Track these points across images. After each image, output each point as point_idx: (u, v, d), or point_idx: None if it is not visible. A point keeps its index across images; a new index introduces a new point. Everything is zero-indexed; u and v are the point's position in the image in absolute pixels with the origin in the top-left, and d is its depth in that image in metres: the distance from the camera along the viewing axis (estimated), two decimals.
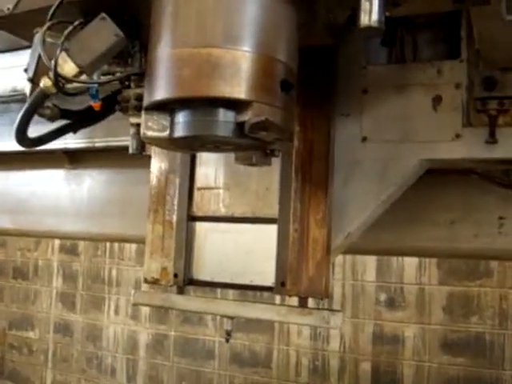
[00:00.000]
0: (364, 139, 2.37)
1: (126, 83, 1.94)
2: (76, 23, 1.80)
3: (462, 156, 2.25)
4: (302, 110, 2.27)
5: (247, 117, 1.57)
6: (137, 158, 2.34)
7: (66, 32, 1.78)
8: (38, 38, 1.87)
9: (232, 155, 2.02)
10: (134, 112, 1.91)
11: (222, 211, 2.46)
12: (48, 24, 1.83)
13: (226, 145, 1.72)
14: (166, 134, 1.66)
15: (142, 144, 2.11)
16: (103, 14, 1.76)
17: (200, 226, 2.49)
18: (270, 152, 1.80)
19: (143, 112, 1.69)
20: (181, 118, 1.66)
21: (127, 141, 2.25)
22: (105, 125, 2.43)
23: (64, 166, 3.64)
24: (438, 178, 2.61)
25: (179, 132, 1.66)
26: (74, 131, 2.25)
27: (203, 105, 1.61)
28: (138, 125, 1.84)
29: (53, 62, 1.79)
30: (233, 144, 1.71)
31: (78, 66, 1.76)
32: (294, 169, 2.33)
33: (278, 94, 1.63)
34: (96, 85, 1.91)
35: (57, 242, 8.92)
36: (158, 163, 2.53)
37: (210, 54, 1.57)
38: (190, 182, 2.50)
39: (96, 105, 1.97)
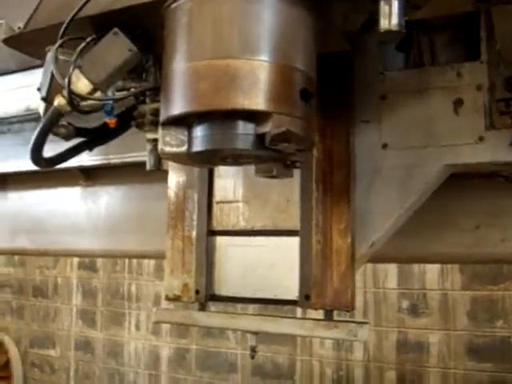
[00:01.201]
0: (385, 146, 2.32)
1: (141, 98, 1.90)
2: (88, 39, 1.77)
3: (487, 160, 2.19)
4: (321, 118, 2.22)
5: (267, 128, 1.53)
6: (153, 173, 2.30)
7: (78, 49, 1.75)
8: (50, 55, 1.84)
9: (251, 167, 1.97)
10: (151, 128, 1.87)
11: (242, 225, 2.42)
12: (60, 41, 1.80)
13: (246, 158, 1.68)
14: (184, 149, 1.62)
15: (160, 160, 2.07)
16: (116, 29, 1.73)
17: (220, 241, 2.44)
18: (291, 163, 1.75)
19: (160, 127, 1.65)
20: (199, 132, 1.62)
21: (143, 156, 2.22)
22: (120, 140, 2.40)
23: (80, 183, 3.62)
24: (461, 182, 2.55)
25: (198, 146, 1.62)
26: (90, 149, 2.22)
27: (222, 118, 1.57)
28: (155, 140, 1.80)
29: (66, 79, 1.76)
30: (253, 157, 1.67)
31: (92, 82, 1.73)
32: (315, 179, 2.28)
33: (297, 104, 1.58)
34: (111, 101, 1.88)
35: (75, 259, 8.91)
36: (175, 178, 2.49)
37: (228, 65, 1.53)
38: (209, 196, 2.46)
39: (111, 122, 1.94)
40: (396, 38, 1.62)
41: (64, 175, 3.56)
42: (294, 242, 2.29)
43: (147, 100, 1.89)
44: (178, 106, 1.60)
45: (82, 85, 1.73)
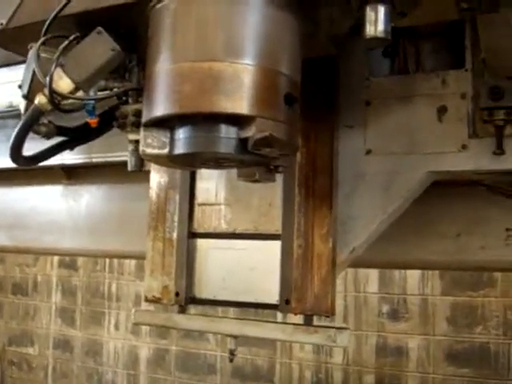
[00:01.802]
0: (368, 152, 2.32)
1: (124, 99, 1.88)
2: (71, 38, 1.75)
3: (469, 168, 2.19)
4: (305, 122, 2.20)
5: (250, 133, 1.52)
6: (135, 173, 2.28)
7: (60, 47, 1.72)
8: (32, 53, 1.81)
9: (233, 170, 1.96)
10: (133, 128, 1.85)
11: (224, 227, 2.40)
12: (42, 39, 1.78)
13: (229, 161, 1.67)
14: (165, 151, 1.60)
15: (141, 161, 2.05)
16: (99, 28, 1.71)
17: (201, 243, 2.42)
18: (274, 168, 1.74)
19: (142, 129, 1.64)
20: (181, 134, 1.60)
21: (125, 156, 2.19)
22: (102, 140, 2.38)
23: (62, 181, 3.58)
24: (443, 189, 2.55)
25: (179, 149, 1.61)
26: (71, 148, 2.19)
27: (204, 121, 1.56)
28: (137, 141, 1.78)
29: (48, 78, 1.73)
30: (235, 161, 1.66)
31: (73, 81, 1.70)
32: (297, 183, 2.28)
33: (281, 109, 1.57)
34: (93, 101, 1.86)
35: (56, 257, 8.84)
36: (157, 179, 2.47)
37: (211, 68, 1.52)
38: (191, 198, 2.44)
39: (93, 121, 1.91)
40: (382, 45, 1.63)
41: (46, 173, 3.51)
42: (276, 245, 2.28)
43: (130, 100, 1.87)
44: (160, 107, 1.59)
45: (63, 83, 1.70)
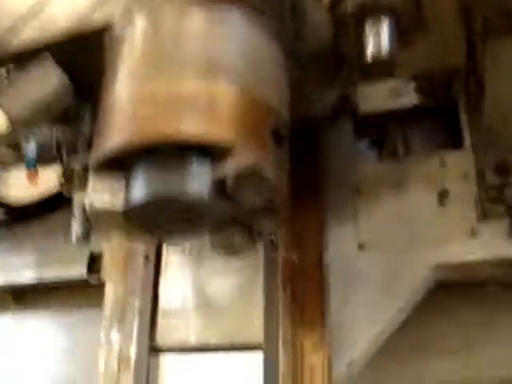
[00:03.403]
0: (361, 247, 2.00)
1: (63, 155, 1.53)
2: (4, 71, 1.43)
3: (481, 256, 1.92)
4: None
5: (229, 169, 1.18)
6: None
7: None
8: None
9: (203, 266, 1.61)
10: (80, 183, 1.48)
11: (193, 339, 1.98)
12: None
13: (199, 217, 1.30)
14: (118, 202, 1.24)
15: (88, 228, 1.66)
16: (46, 53, 1.40)
17: (165, 360, 2.00)
18: (257, 233, 1.38)
19: (90, 175, 1.28)
20: (139, 177, 1.24)
21: None
22: None
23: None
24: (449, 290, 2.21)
25: (136, 197, 1.24)
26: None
27: (169, 155, 1.21)
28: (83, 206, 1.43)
29: None
30: (209, 214, 1.29)
31: (8, 117, 1.36)
32: (282, 282, 1.92)
33: (268, 144, 1.24)
34: (33, 147, 1.49)
35: None
36: (113, 286, 2.09)
37: (180, 88, 1.21)
38: (153, 305, 2.04)
39: (32, 173, 1.55)
40: (386, 71, 1.34)
41: None
42: (256, 358, 1.89)
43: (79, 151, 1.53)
44: (112, 139, 1.24)
45: None
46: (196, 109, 1.20)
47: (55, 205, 1.79)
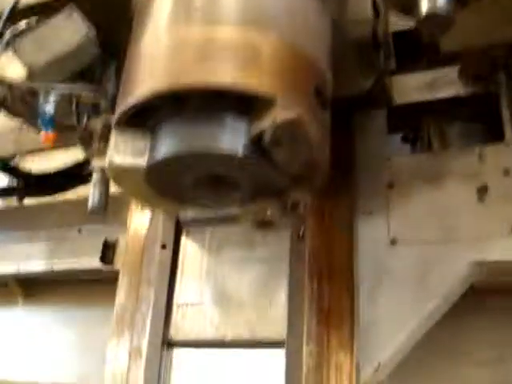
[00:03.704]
0: (393, 241, 1.88)
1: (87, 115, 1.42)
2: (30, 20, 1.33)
3: None
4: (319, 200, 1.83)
5: (266, 123, 1.05)
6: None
7: (12, 27, 1.31)
8: None
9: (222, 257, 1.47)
10: (101, 146, 1.36)
11: (210, 333, 1.86)
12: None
13: (231, 181, 1.17)
14: (142, 159, 1.11)
15: (106, 198, 1.52)
16: (71, 4, 1.30)
17: (179, 355, 1.88)
18: (291, 206, 1.25)
19: (113, 131, 1.16)
20: (167, 130, 1.12)
21: None
22: None
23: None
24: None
25: (161, 153, 1.12)
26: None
27: (201, 107, 1.09)
28: (103, 171, 1.31)
29: None
30: (242, 177, 1.16)
31: (27, 67, 1.26)
32: (308, 275, 1.79)
33: (311, 100, 1.12)
34: (51, 108, 1.39)
35: None
36: (127, 275, 1.97)
37: (217, 33, 1.09)
38: (168, 297, 1.92)
39: (48, 136, 1.43)
40: (441, 29, 1.21)
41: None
42: (278, 355, 1.76)
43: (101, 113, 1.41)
44: (139, 89, 1.12)
45: (13, 70, 1.26)
46: (233, 55, 1.09)
47: (73, 180, 1.68)
